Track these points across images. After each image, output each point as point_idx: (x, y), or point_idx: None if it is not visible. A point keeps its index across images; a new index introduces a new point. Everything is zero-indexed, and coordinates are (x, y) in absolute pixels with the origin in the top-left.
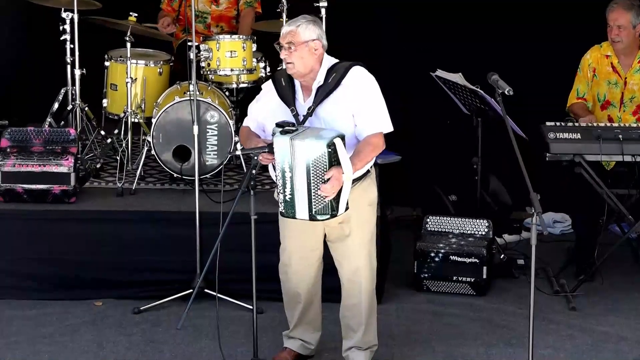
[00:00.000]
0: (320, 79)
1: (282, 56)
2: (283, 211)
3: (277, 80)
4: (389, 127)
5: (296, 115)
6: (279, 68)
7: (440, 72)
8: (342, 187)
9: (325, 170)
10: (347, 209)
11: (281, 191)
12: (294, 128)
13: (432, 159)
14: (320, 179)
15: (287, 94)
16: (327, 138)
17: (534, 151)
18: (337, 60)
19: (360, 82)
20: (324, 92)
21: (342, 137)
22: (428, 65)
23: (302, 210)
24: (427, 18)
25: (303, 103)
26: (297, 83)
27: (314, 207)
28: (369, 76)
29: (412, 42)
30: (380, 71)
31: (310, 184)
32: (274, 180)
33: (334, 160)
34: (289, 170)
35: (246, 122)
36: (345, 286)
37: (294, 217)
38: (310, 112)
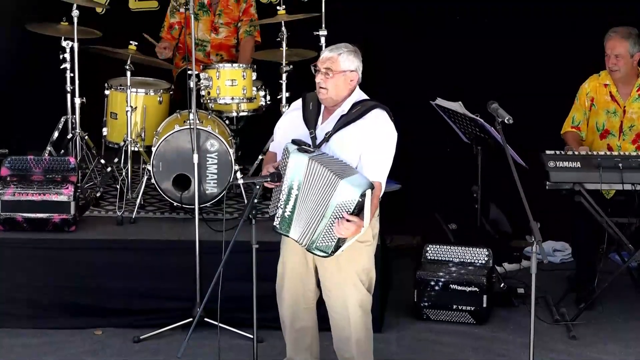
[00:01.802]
0: (344, 108)
1: (317, 79)
2: (277, 226)
3: (306, 102)
4: (383, 178)
5: (314, 139)
6: (279, 96)
7: (440, 101)
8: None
9: (348, 212)
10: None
11: (281, 205)
12: (311, 149)
13: (431, 187)
14: (338, 218)
15: (311, 118)
16: (362, 185)
17: (534, 179)
18: (367, 97)
19: (379, 126)
20: (344, 121)
21: (371, 187)
22: (428, 91)
23: (299, 232)
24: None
25: (321, 124)
26: (322, 108)
27: (319, 242)
28: (389, 123)
29: (413, 68)
30: (380, 98)
31: (326, 221)
32: (273, 195)
33: (357, 209)
34: (297, 189)
35: (271, 146)
36: (334, 318)
37: (286, 234)
38: (328, 137)
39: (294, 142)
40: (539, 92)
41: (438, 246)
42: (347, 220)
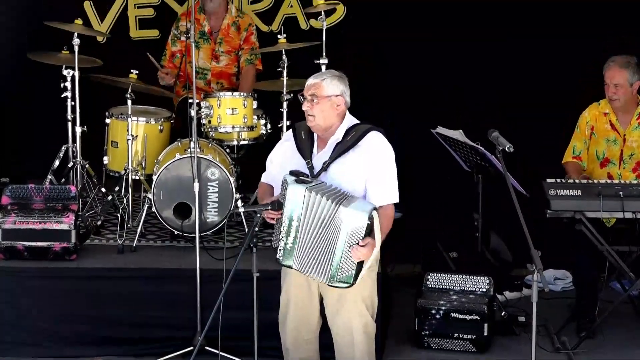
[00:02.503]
0: (338, 136)
1: (304, 108)
2: (280, 258)
3: (297, 131)
4: (396, 198)
5: (311, 168)
6: (279, 125)
7: (441, 129)
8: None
9: (359, 240)
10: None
11: (283, 238)
12: (309, 179)
13: (432, 215)
14: (353, 245)
15: (305, 147)
16: (368, 210)
17: (535, 207)
18: (358, 121)
19: (378, 149)
20: (341, 149)
21: (377, 210)
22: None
23: (299, 262)
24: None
25: (317, 154)
26: (315, 137)
27: (339, 273)
28: (386, 144)
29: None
30: (383, 125)
31: (342, 251)
32: (275, 229)
33: (367, 232)
34: (297, 221)
35: (264, 177)
36: (338, 343)
37: (289, 266)
38: (326, 167)
39: (291, 173)
40: (541, 115)
41: (439, 274)
42: (362, 246)
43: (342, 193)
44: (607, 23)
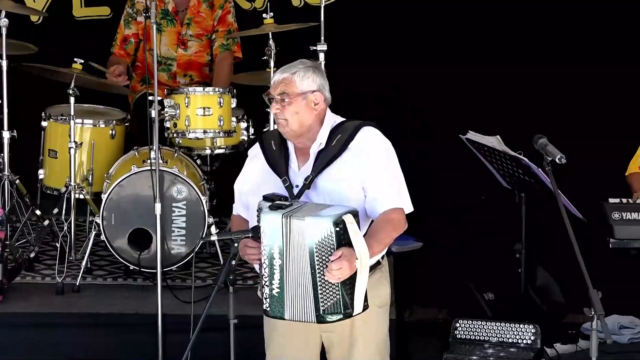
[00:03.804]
0: (321, 141)
1: (272, 111)
2: (268, 309)
3: (265, 144)
4: (409, 206)
5: (289, 187)
6: (265, 130)
7: (472, 135)
8: (355, 276)
9: (331, 254)
10: (366, 307)
11: (267, 283)
12: (286, 203)
13: (462, 246)
14: (325, 266)
15: (278, 161)
16: (333, 215)
17: (594, 235)
18: (343, 119)
19: (373, 147)
20: (326, 158)
21: (355, 214)
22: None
23: (297, 308)
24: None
25: (298, 171)
26: (290, 146)
27: (321, 303)
28: (384, 139)
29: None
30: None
31: (314, 274)
32: (258, 271)
33: (344, 242)
34: (279, 257)
35: (235, 207)
36: None
37: (281, 317)
38: (308, 183)
39: (265, 198)
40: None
41: (470, 322)
42: (333, 261)
43: (321, 207)
44: None
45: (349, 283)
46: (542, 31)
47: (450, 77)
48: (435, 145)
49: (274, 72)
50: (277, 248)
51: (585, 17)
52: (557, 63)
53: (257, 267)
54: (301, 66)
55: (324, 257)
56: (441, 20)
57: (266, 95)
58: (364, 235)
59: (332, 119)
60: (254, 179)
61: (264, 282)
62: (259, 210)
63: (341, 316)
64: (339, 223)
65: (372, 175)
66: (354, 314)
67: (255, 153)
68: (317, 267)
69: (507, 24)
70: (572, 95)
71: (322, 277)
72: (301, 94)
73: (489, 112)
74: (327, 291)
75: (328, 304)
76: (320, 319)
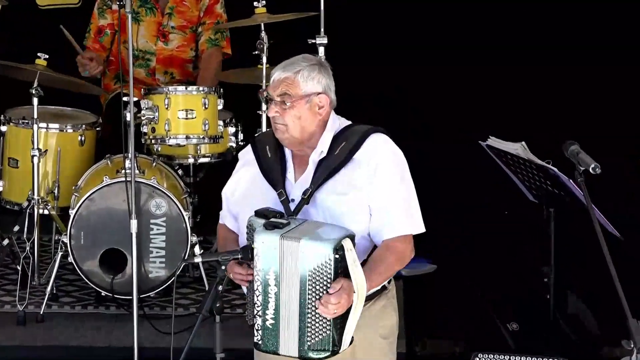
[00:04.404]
0: (322, 149)
1: (270, 114)
2: (260, 343)
3: (259, 149)
4: (419, 227)
5: (286, 202)
6: (257, 133)
7: (493, 141)
8: (349, 310)
9: (327, 284)
10: (351, 342)
11: (259, 312)
12: (284, 221)
13: (480, 269)
14: (319, 296)
15: (273, 170)
16: (332, 239)
17: (634, 256)
18: (349, 122)
19: (384, 158)
20: (328, 169)
21: (352, 238)
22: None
23: (289, 342)
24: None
25: (294, 182)
26: (287, 152)
27: (307, 338)
28: (396, 149)
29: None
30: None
31: (303, 304)
32: (247, 296)
33: (340, 270)
34: (275, 284)
35: (222, 216)
36: None
37: (275, 352)
38: (307, 197)
39: (258, 214)
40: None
41: (492, 356)
42: (331, 294)
43: (318, 227)
44: None
45: (342, 318)
46: (548, 30)
47: (457, 79)
48: (453, 148)
49: (267, 68)
50: (273, 274)
51: (597, 16)
52: (572, 63)
53: (245, 288)
54: (305, 64)
55: (317, 287)
56: (442, 20)
57: (262, 93)
58: (362, 265)
59: (336, 123)
60: (244, 187)
61: (255, 312)
62: (251, 228)
63: (328, 354)
64: (339, 249)
65: (381, 194)
66: (340, 351)
67: (247, 159)
68: (308, 296)
69: (512, 23)
70: (589, 97)
71: (313, 308)
72: (305, 96)
73: (498, 115)
74: (317, 325)
75: (315, 339)
76: (303, 355)
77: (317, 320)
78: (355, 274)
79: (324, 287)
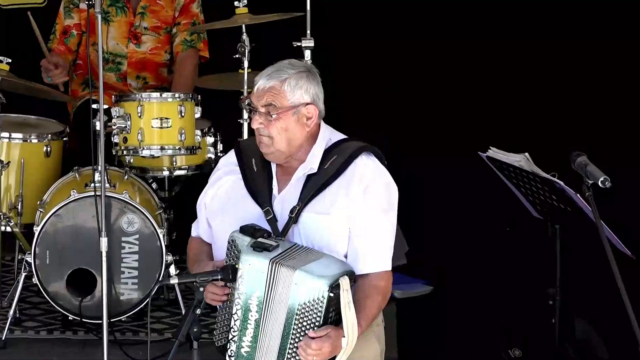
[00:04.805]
0: (312, 165)
1: (254, 125)
2: None
3: (245, 157)
4: (388, 264)
5: (273, 221)
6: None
7: (494, 152)
8: (335, 357)
9: (315, 322)
10: None
11: (235, 338)
12: (273, 243)
13: (481, 290)
14: (305, 332)
15: (259, 185)
16: (330, 275)
17: None
18: (342, 136)
19: (374, 182)
20: (316, 185)
21: (351, 275)
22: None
23: None
24: None
25: (277, 195)
26: (272, 164)
27: None
28: (386, 173)
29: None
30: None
31: (286, 338)
32: (220, 314)
33: (332, 311)
34: (257, 311)
35: (196, 227)
36: None
37: None
38: (295, 216)
39: (243, 231)
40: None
41: None
42: (314, 338)
43: (312, 256)
44: None
45: None
46: (557, 29)
47: (456, 84)
48: (450, 161)
49: (249, 73)
50: (256, 299)
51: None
52: (582, 66)
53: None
54: (292, 71)
55: (304, 322)
56: (439, 16)
57: (244, 101)
58: None
59: (327, 136)
60: (225, 197)
61: (231, 337)
62: (234, 245)
63: None
64: (335, 287)
65: (366, 221)
66: None
67: (230, 167)
68: (293, 330)
69: (518, 19)
70: (599, 104)
71: (295, 345)
72: (292, 107)
73: (499, 123)
74: None
75: None
76: None
77: (298, 358)
78: (347, 317)
79: (311, 325)
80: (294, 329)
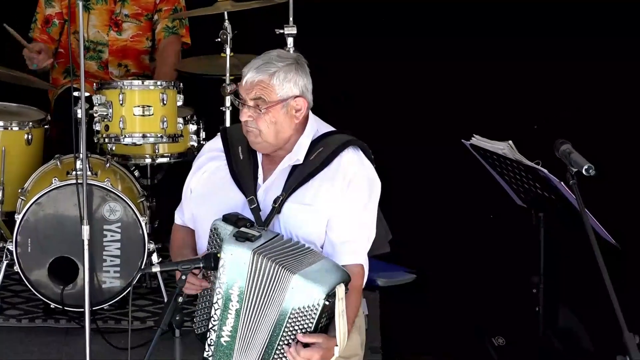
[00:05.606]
0: (298, 156)
1: (242, 118)
2: (209, 359)
3: (231, 145)
4: (364, 258)
5: (256, 210)
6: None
7: (478, 140)
8: None
9: (306, 327)
10: None
11: (215, 327)
12: (255, 233)
13: (464, 278)
14: (292, 337)
15: (245, 174)
16: (328, 283)
17: (631, 266)
18: (330, 128)
19: (357, 176)
20: (301, 175)
21: (347, 283)
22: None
23: None
24: None
25: (262, 184)
26: (258, 153)
27: None
28: (371, 168)
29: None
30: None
31: (274, 339)
32: (200, 302)
33: (325, 317)
34: (238, 301)
35: (178, 215)
36: None
37: None
38: (279, 206)
39: (226, 219)
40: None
41: None
42: (306, 345)
43: (306, 251)
44: None
45: None
46: (537, 22)
47: (439, 73)
48: (434, 149)
49: (231, 57)
50: (237, 289)
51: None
52: (565, 57)
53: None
54: (281, 64)
55: (295, 326)
56: (421, 11)
57: (231, 92)
58: None
59: (315, 127)
60: (209, 183)
61: (211, 326)
62: (216, 233)
63: None
64: (331, 295)
65: (346, 213)
66: None
67: (214, 152)
68: (282, 333)
69: (497, 14)
70: (583, 92)
71: (282, 348)
72: (281, 101)
73: (483, 111)
74: None
75: None
76: None
77: (285, 358)
78: (340, 325)
79: (303, 329)
80: (284, 330)
